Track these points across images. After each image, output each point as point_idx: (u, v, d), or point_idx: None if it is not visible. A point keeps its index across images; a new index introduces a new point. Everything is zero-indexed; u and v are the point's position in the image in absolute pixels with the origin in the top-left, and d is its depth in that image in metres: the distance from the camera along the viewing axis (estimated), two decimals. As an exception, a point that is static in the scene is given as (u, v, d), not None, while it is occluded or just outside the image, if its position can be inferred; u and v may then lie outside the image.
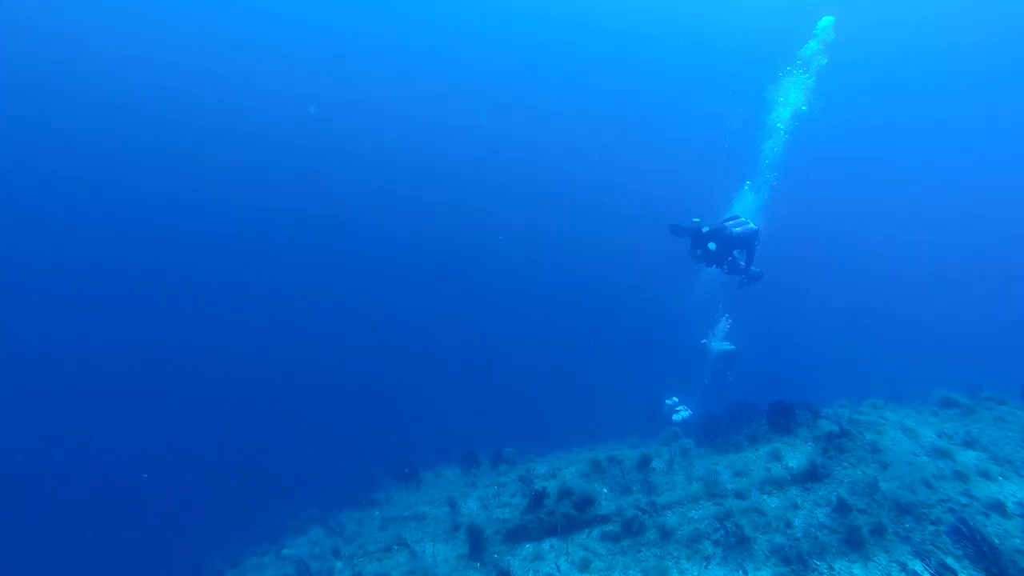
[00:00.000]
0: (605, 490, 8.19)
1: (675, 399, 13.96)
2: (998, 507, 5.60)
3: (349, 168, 43.31)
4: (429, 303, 27.94)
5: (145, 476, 14.17)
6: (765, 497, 6.62)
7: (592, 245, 40.48)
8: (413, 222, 38.04)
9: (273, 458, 15.80)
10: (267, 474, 14.82)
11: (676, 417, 13.46)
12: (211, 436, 17.61)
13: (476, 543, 7.49)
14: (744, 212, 13.57)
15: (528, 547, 7.37)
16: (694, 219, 12.26)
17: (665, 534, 6.71)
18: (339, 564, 7.66)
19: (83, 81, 37.65)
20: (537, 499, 7.85)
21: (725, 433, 8.65)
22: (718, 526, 6.41)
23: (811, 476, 6.61)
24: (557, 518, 7.48)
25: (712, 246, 12.06)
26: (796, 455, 7.27)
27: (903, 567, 5.09)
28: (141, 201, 35.31)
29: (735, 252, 12.41)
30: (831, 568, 5.34)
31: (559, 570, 6.86)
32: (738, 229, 12.11)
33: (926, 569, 4.94)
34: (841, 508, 5.84)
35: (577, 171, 49.67)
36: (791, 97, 16.89)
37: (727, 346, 13.97)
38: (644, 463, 8.48)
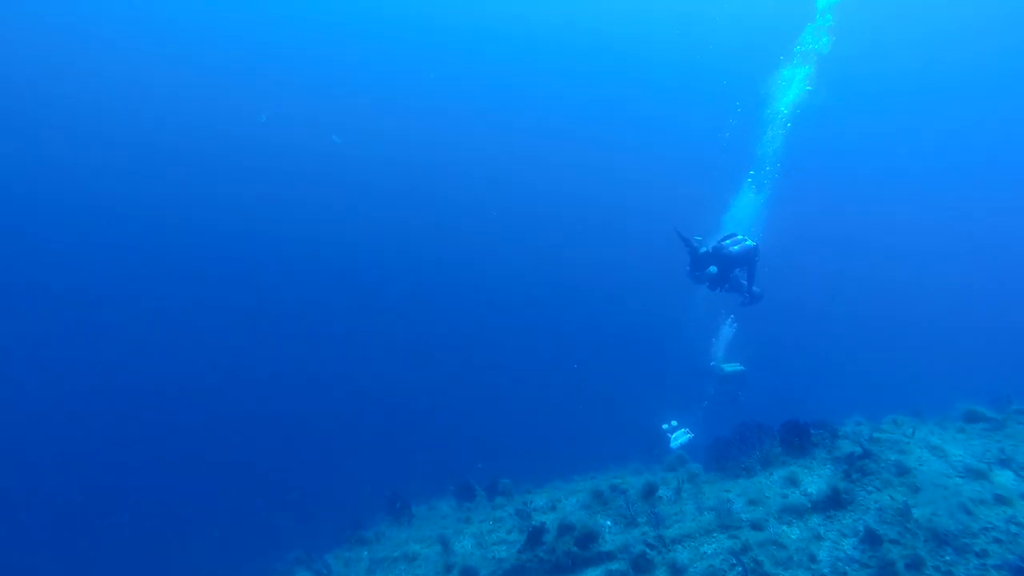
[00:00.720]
0: (609, 523, 7.59)
1: (673, 423, 13.43)
2: (1046, 534, 5.05)
3: (336, 190, 42.85)
4: (420, 327, 27.38)
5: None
6: (784, 528, 6.05)
7: (584, 259, 39.93)
8: (405, 239, 37.61)
9: (260, 495, 15.11)
10: (254, 512, 14.12)
11: (675, 443, 12.92)
12: (196, 473, 16.90)
13: (470, 586, 6.87)
14: (744, 213, 13.22)
15: (527, 589, 6.75)
16: (696, 237, 11.93)
17: (676, 572, 6.11)
18: (322, 614, 7.00)
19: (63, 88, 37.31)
20: (535, 535, 7.24)
21: (735, 456, 8.09)
22: (734, 562, 5.82)
23: (833, 503, 6.04)
24: (558, 556, 6.88)
25: (714, 269, 11.70)
26: (814, 479, 6.71)
27: (947, 607, 4.52)
28: (152, 206, 35.03)
29: (736, 271, 12.04)
30: (865, 609, 4.76)
31: (561, 616, 6.25)
32: (736, 248, 11.74)
33: (974, 609, 4.37)
34: (870, 539, 5.27)
35: (566, 180, 49.11)
36: (791, 85, 16.48)
37: (736, 367, 13.47)
38: (650, 492, 7.89)
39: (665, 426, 13.33)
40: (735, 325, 12.77)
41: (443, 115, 48.86)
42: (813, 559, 5.42)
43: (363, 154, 45.58)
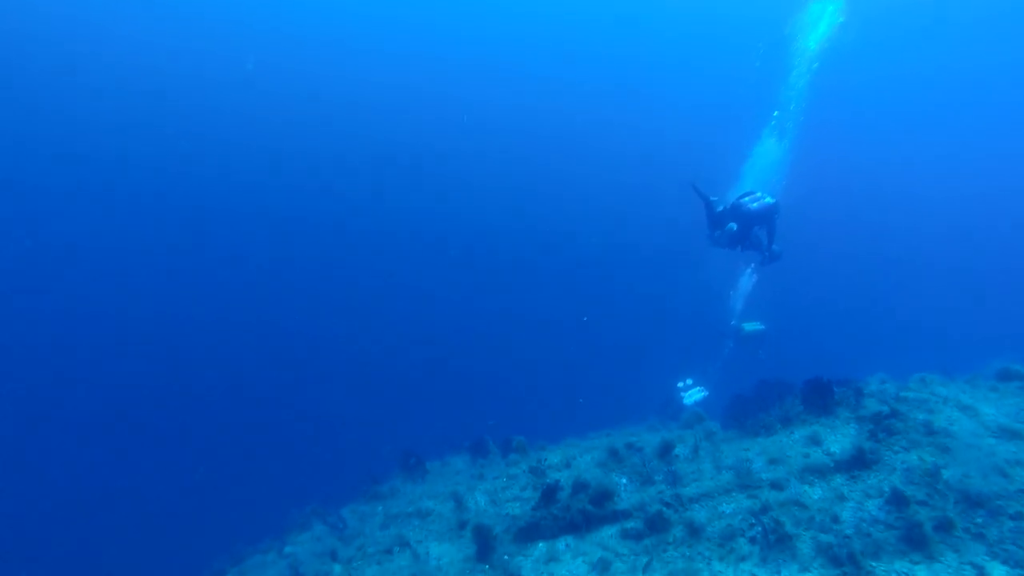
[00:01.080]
0: (624, 481, 7.50)
1: (688, 381, 13.29)
2: (1085, 497, 4.82)
3: (347, 158, 41.24)
4: (436, 290, 27.21)
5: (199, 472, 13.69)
6: (806, 488, 5.88)
7: (598, 221, 38.88)
8: (417, 209, 36.78)
9: (278, 451, 15.33)
10: (272, 468, 14.36)
11: (688, 400, 12.82)
12: (214, 431, 17.18)
13: (484, 543, 6.83)
14: (765, 161, 12.76)
15: (541, 547, 6.71)
16: (712, 197, 11.58)
17: (693, 531, 6.00)
18: (337, 568, 7.06)
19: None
20: (549, 493, 7.17)
21: (754, 414, 7.89)
22: (754, 521, 5.68)
23: (858, 462, 5.84)
24: (572, 514, 6.80)
25: (733, 226, 11.36)
26: (838, 438, 6.50)
27: (979, 570, 4.34)
28: (146, 197, 34.22)
29: (755, 229, 11.69)
30: (891, 570, 4.60)
31: (576, 572, 6.19)
32: (755, 205, 11.41)
33: (1008, 573, 4.18)
34: (897, 500, 5.08)
35: (578, 131, 46.95)
36: (822, 19, 15.50)
37: (757, 326, 13.21)
38: (666, 450, 7.76)
39: (680, 384, 13.23)
40: (754, 276, 12.40)
41: (444, 62, 46.24)
42: (836, 519, 5.26)
43: (363, 105, 43.67)
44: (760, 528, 5.57)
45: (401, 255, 30.26)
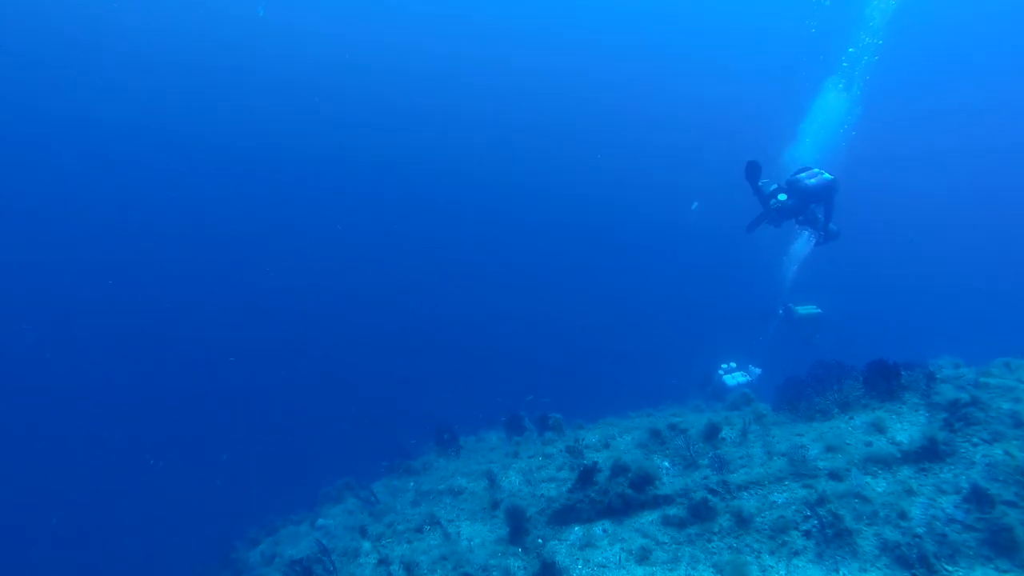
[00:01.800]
0: (666, 464, 7.10)
1: (732, 364, 12.77)
2: None
3: (347, 147, 39.33)
4: (481, 263, 26.87)
5: (152, 462, 14.04)
6: (868, 479, 5.37)
7: (640, 194, 37.25)
8: (461, 180, 35.84)
9: (315, 424, 15.47)
10: (308, 441, 14.49)
11: (731, 381, 12.31)
12: (252, 405, 17.47)
13: (517, 525, 6.56)
14: (827, 116, 11.95)
15: (577, 531, 6.40)
16: (762, 180, 10.97)
17: (742, 521, 5.58)
18: (366, 544, 6.91)
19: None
20: (587, 475, 6.83)
21: (809, 397, 7.34)
22: (809, 514, 5.22)
23: (929, 454, 5.29)
24: (610, 498, 6.46)
25: (783, 197, 10.71)
26: (905, 426, 5.93)
27: (1078, 583, 3.81)
28: (142, 199, 33.18)
29: (811, 207, 11.00)
30: (969, 577, 4.10)
31: (614, 560, 5.86)
32: (812, 181, 10.74)
33: (1115, 588, 3.64)
34: (978, 498, 4.54)
35: (619, 107, 44.50)
36: None
37: (812, 309, 12.54)
38: (712, 432, 7.31)
39: (724, 366, 12.77)
40: (812, 240, 11.64)
41: (467, 23, 44.29)
42: (903, 516, 4.75)
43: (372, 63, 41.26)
44: (816, 521, 5.11)
45: (443, 227, 29.97)
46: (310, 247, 27.58)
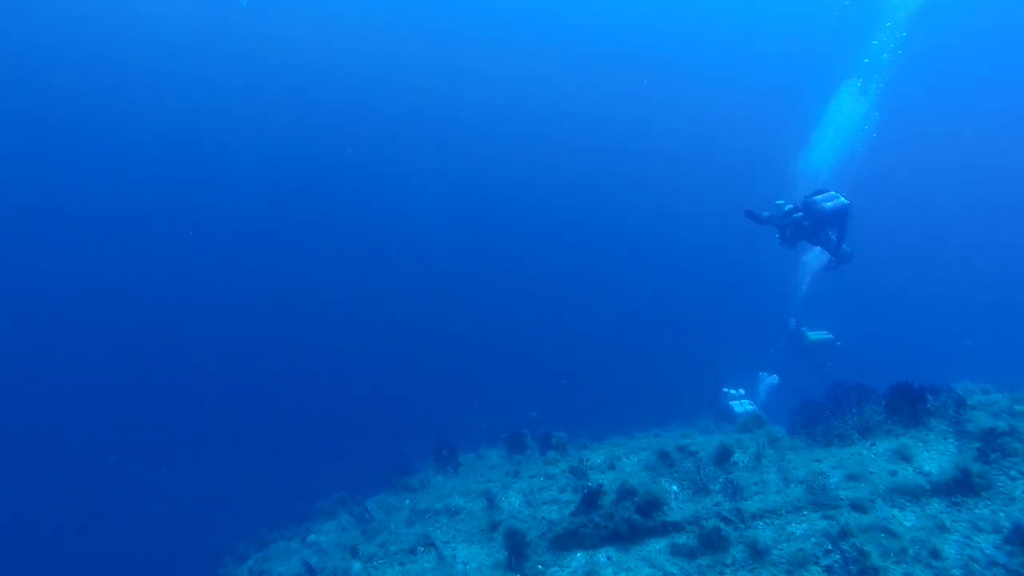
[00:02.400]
0: (675, 488, 6.73)
1: (741, 390, 12.46)
2: None
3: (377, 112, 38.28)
4: (478, 274, 26.53)
5: (113, 458, 13.73)
6: (895, 512, 4.99)
7: (644, 215, 36.41)
8: (445, 197, 34.89)
9: (310, 438, 15.13)
10: (303, 455, 14.15)
11: (739, 408, 12.00)
12: (248, 418, 17.15)
13: (516, 549, 6.20)
14: (843, 121, 11.66)
15: (580, 557, 6.03)
16: (777, 201, 10.80)
17: (757, 553, 5.20)
18: (356, 565, 6.56)
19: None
20: (591, 498, 6.47)
21: (827, 420, 6.97)
22: (830, 547, 4.85)
23: (962, 487, 4.92)
24: (616, 523, 6.09)
25: (799, 215, 10.52)
26: (933, 456, 5.56)
27: None
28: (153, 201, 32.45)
29: (826, 229, 10.80)
30: (1012, 626, 3.72)
31: (618, 591, 5.49)
32: (829, 204, 10.55)
33: None
34: (1021, 539, 4.16)
35: (624, 107, 42.83)
36: None
37: (823, 335, 12.22)
38: (724, 456, 6.94)
39: (732, 392, 12.46)
40: (825, 256, 11.30)
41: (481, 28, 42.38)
42: (936, 555, 4.38)
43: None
44: (839, 556, 4.74)
45: (449, 239, 29.57)
46: (310, 259, 27.31)
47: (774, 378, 11.95)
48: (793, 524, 5.32)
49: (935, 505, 4.91)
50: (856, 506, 5.18)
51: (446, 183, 32.34)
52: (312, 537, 8.91)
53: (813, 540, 5.02)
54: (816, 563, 4.82)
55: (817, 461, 6.27)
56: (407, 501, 8.33)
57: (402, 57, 40.78)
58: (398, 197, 32.85)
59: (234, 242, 28.82)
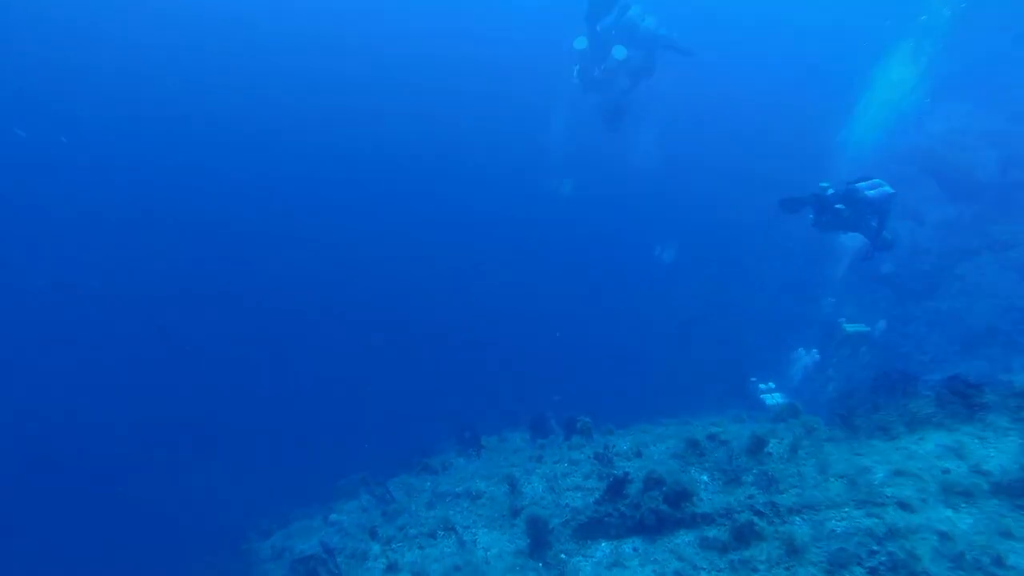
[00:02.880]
0: (705, 478, 6.44)
1: (771, 384, 12.01)
2: None
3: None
4: (500, 249, 26.00)
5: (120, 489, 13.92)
6: (949, 513, 4.62)
7: (665, 191, 34.34)
8: (477, 170, 33.86)
9: (332, 416, 15.16)
10: (327, 432, 14.19)
11: (770, 401, 11.57)
12: (271, 394, 17.28)
13: (538, 536, 6.00)
14: (890, 94, 10.94)
15: (604, 547, 5.81)
16: (821, 183, 10.21)
17: (793, 550, 4.89)
18: (375, 547, 6.44)
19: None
20: (617, 486, 6.22)
21: (870, 412, 6.58)
22: (876, 548, 4.51)
23: (1026, 488, 4.52)
24: (643, 513, 5.84)
25: (842, 207, 9.97)
26: (992, 453, 5.16)
27: None
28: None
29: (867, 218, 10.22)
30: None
31: (644, 585, 5.25)
32: (872, 192, 9.95)
33: None
34: (1094, 546, 3.78)
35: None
36: None
37: (860, 327, 11.72)
38: (758, 446, 6.60)
39: (763, 386, 12.04)
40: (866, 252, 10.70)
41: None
42: (999, 563, 4.02)
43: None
44: (885, 558, 4.40)
45: (463, 218, 29.10)
46: (329, 240, 27.12)
47: (814, 354, 11.45)
48: (833, 521, 4.99)
49: (997, 508, 4.53)
50: (904, 505, 4.83)
51: (470, 170, 31.75)
52: (334, 516, 8.88)
53: (856, 539, 4.69)
54: (859, 564, 4.49)
55: (859, 455, 5.91)
56: (428, 483, 8.20)
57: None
58: (428, 178, 32.34)
59: (266, 219, 28.80)
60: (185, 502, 12.42)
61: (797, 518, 5.25)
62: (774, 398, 11.77)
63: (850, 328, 11.80)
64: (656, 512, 5.80)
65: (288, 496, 10.46)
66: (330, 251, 26.11)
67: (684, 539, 5.57)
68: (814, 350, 11.32)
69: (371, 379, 16.24)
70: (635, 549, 5.67)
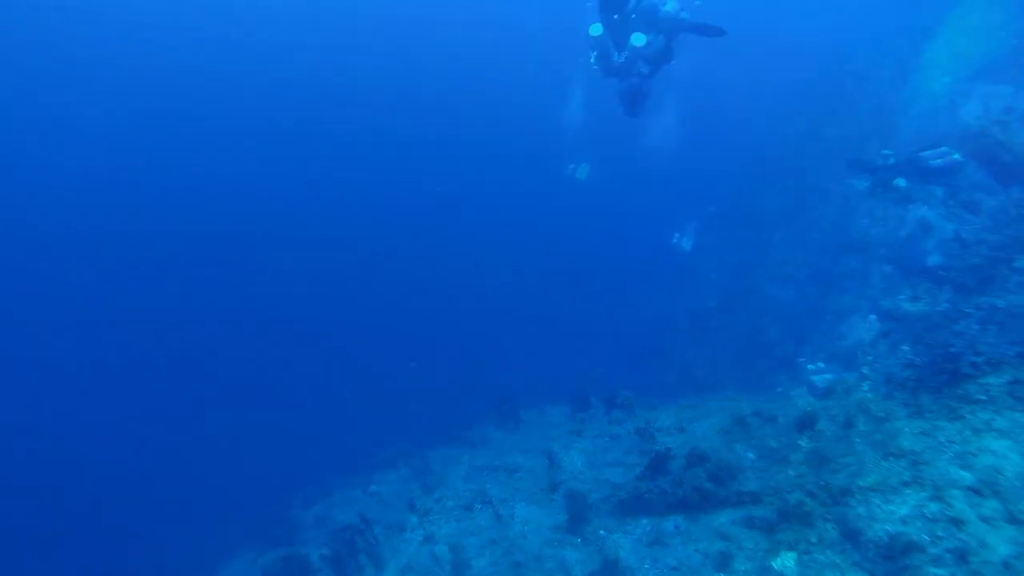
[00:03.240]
0: (752, 456, 6.17)
1: (820, 364, 11.36)
2: None
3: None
4: (545, 220, 25.67)
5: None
6: (1024, 500, 4.25)
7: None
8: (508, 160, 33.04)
9: (374, 388, 15.35)
10: (370, 403, 14.38)
11: (821, 383, 10.93)
12: (318, 367, 17.61)
13: (577, 512, 5.88)
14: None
15: (644, 524, 5.64)
16: (884, 151, 9.55)
17: (848, 534, 4.62)
18: (413, 519, 6.43)
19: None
20: (659, 461, 6.03)
21: (935, 388, 6.14)
22: (941, 535, 4.20)
23: (1114, 473, 4.11)
24: (685, 490, 5.64)
25: (902, 182, 9.33)
26: (1073, 435, 4.72)
27: None
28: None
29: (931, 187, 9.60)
30: None
31: (687, 563, 5.06)
32: (938, 161, 9.18)
33: None
34: None
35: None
36: None
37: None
38: (808, 422, 6.28)
39: (811, 367, 11.42)
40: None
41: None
42: (1082, 552, 3.66)
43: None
44: (953, 545, 4.09)
45: (502, 199, 28.79)
46: (374, 222, 27.27)
47: (871, 320, 10.72)
48: (894, 503, 4.67)
49: (1076, 494, 4.14)
50: (976, 490, 4.47)
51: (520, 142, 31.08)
52: (374, 487, 8.98)
53: (918, 523, 4.38)
54: (922, 551, 4.19)
55: (923, 434, 5.52)
56: (466, 456, 8.16)
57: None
58: (469, 162, 31.90)
59: (319, 204, 28.90)
60: (235, 472, 12.84)
61: (852, 500, 4.94)
62: (824, 380, 11.18)
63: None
64: (700, 489, 5.59)
65: (331, 467, 10.65)
66: (372, 232, 26.33)
67: (728, 517, 5.36)
68: (872, 316, 10.57)
69: (413, 353, 16.33)
70: (677, 527, 5.48)
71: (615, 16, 8.37)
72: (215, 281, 24.02)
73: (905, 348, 11.00)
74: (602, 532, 5.66)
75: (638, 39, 8.02)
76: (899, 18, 14.70)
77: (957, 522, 4.18)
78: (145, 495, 13.71)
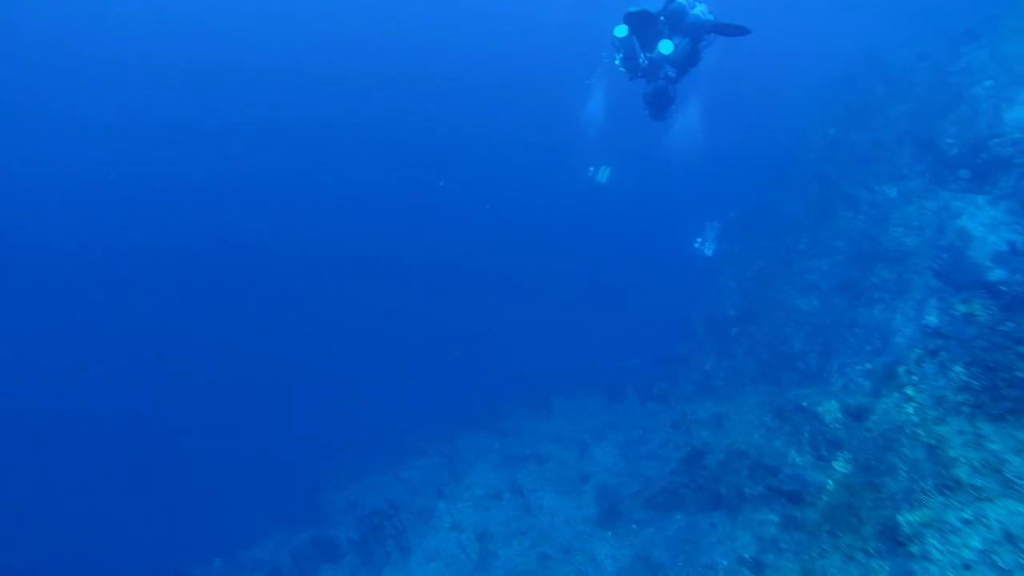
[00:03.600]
0: (793, 453, 5.88)
1: (854, 380, 10.78)
2: None
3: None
4: (583, 211, 25.29)
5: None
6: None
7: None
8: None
9: (408, 375, 15.39)
10: (400, 391, 14.43)
11: (851, 400, 10.37)
12: (352, 354, 17.78)
13: (608, 505, 5.72)
14: None
15: (679, 520, 5.45)
16: (947, 140, 9.15)
17: (897, 541, 4.33)
18: (441, 505, 6.37)
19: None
20: (695, 456, 5.81)
21: (997, 416, 5.72)
22: (1011, 547, 3.88)
23: None
24: (723, 487, 5.41)
25: (964, 174, 8.86)
26: None
27: None
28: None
29: None
30: None
31: (723, 564, 4.85)
32: (1009, 150, 8.66)
33: None
34: None
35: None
36: None
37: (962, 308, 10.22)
38: (855, 419, 5.95)
39: (842, 382, 10.87)
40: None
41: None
42: None
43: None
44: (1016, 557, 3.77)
45: (528, 191, 28.43)
46: (410, 217, 27.34)
47: (913, 336, 10.20)
48: (951, 511, 4.35)
49: None
50: (1044, 498, 4.11)
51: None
52: (404, 473, 8.96)
53: (982, 534, 4.06)
54: (989, 565, 3.88)
55: (979, 437, 5.14)
56: (497, 444, 8.07)
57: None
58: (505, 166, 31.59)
59: (358, 198, 29.08)
60: (268, 454, 13.05)
61: (904, 504, 4.64)
62: (857, 400, 10.55)
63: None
64: (737, 487, 5.35)
65: (363, 451, 10.70)
66: (415, 229, 26.48)
67: (768, 517, 5.11)
68: (912, 331, 9.95)
69: (451, 342, 16.35)
70: (713, 525, 5.27)
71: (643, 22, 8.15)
72: (252, 266, 24.52)
73: (959, 369, 10.21)
74: (634, 527, 5.50)
75: (666, 47, 7.73)
76: (936, 19, 14.05)
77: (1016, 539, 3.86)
78: (182, 476, 14.10)
